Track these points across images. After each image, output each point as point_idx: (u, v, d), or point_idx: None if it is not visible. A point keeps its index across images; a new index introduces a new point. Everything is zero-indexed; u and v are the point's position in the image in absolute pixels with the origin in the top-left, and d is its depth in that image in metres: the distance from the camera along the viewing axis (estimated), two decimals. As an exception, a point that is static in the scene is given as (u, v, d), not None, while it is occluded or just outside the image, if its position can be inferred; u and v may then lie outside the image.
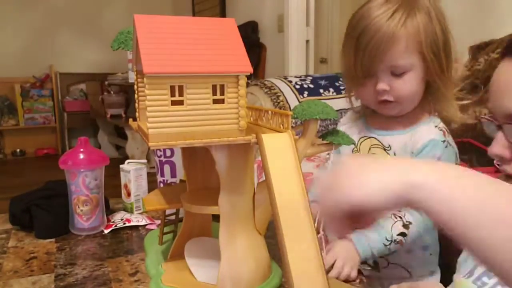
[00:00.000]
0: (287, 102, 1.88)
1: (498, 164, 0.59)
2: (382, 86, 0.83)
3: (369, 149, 0.92)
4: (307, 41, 3.10)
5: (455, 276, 0.69)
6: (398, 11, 0.80)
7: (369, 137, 0.93)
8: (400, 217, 0.83)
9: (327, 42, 3.30)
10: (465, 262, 0.68)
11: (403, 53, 0.81)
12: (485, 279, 0.62)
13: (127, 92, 3.95)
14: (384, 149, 0.90)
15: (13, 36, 4.40)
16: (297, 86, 1.96)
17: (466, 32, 1.88)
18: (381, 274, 0.91)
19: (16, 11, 4.40)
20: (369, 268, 0.92)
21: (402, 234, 0.82)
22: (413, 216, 0.83)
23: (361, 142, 0.94)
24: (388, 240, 0.81)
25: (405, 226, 0.83)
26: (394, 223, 0.82)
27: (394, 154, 0.88)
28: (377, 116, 0.92)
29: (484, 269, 0.59)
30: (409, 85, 0.83)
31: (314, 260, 0.48)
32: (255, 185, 0.62)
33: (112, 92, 4.06)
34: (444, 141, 0.85)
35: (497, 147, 0.56)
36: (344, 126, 0.99)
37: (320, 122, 0.60)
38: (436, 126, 0.87)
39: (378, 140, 0.92)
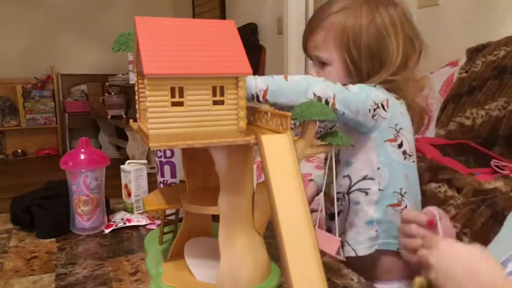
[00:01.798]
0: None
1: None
2: (311, 72, 0.89)
3: None
4: (307, 43, 3.11)
5: None
6: (342, 3, 0.84)
7: None
8: None
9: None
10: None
11: (323, 44, 0.85)
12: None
13: (128, 93, 3.95)
14: None
15: (14, 37, 4.41)
16: (297, 88, 1.97)
17: (464, 35, 1.89)
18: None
19: (18, 13, 4.41)
20: None
21: None
22: None
23: None
24: None
25: None
26: None
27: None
28: None
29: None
30: (330, 78, 0.81)
31: (313, 261, 0.48)
32: (254, 186, 0.63)
33: (112, 93, 4.07)
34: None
35: None
36: None
37: (319, 123, 0.60)
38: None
39: None
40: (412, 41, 0.85)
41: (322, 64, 0.86)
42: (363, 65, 0.83)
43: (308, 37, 0.87)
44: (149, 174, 1.06)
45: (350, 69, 0.84)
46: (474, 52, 1.55)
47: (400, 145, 0.85)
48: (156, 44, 0.53)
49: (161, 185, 0.95)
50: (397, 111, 0.84)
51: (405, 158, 0.86)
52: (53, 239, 0.88)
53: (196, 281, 0.64)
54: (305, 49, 0.91)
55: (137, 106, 0.65)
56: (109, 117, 3.98)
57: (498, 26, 1.71)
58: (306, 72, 3.12)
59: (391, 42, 0.82)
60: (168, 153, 0.94)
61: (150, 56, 0.51)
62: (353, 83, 0.82)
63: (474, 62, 1.50)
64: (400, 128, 0.84)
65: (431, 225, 0.66)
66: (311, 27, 0.86)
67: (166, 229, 0.76)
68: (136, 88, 0.64)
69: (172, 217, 0.76)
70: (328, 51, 0.85)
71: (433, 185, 1.02)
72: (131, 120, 0.69)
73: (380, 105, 0.80)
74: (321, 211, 0.90)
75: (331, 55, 0.85)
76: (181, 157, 0.70)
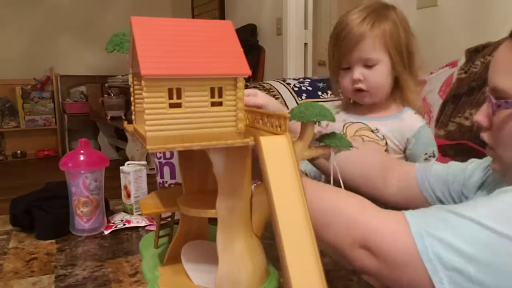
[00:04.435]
0: (286, 104, 1.89)
1: (479, 132, 0.65)
2: (356, 75, 1.01)
3: (356, 131, 1.05)
4: (306, 44, 3.11)
5: None
6: (367, 18, 0.99)
7: (354, 123, 1.06)
8: None
9: (325, 45, 3.30)
10: None
11: (372, 49, 0.98)
12: None
13: (127, 95, 3.94)
14: (372, 131, 1.04)
15: (14, 39, 4.41)
16: (296, 89, 1.97)
17: (463, 35, 1.89)
18: None
19: (17, 14, 4.41)
20: None
21: None
22: None
23: (347, 127, 1.08)
24: None
25: None
26: None
27: (383, 137, 1.02)
28: (356, 107, 1.08)
29: None
30: (379, 75, 1.00)
31: (313, 262, 0.48)
32: (252, 188, 0.62)
33: (112, 94, 4.07)
34: (425, 123, 1.03)
35: (479, 115, 0.64)
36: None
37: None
38: (415, 113, 1.04)
39: (364, 124, 1.05)
40: (414, 35, 1.03)
41: (369, 66, 1.00)
42: (404, 56, 1.00)
43: (353, 48, 0.99)
44: (148, 175, 1.06)
45: (396, 63, 0.99)
46: (473, 53, 1.55)
47: None
48: (153, 45, 0.52)
49: (161, 186, 0.95)
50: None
51: None
52: (53, 241, 0.88)
53: (193, 285, 0.63)
54: (341, 59, 1.02)
55: (132, 107, 0.64)
56: (108, 118, 3.98)
57: (497, 27, 1.71)
58: (310, 71, 3.12)
59: (410, 35, 1.01)
60: (168, 154, 0.94)
61: (147, 57, 0.51)
62: (398, 73, 1.00)
63: (473, 63, 1.50)
64: None
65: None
66: (354, 40, 0.98)
67: (161, 233, 0.76)
68: (131, 89, 0.64)
69: (168, 220, 0.76)
70: (377, 52, 0.99)
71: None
72: (125, 122, 0.68)
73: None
74: None
75: (380, 55, 0.99)
76: (178, 159, 0.70)
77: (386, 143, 1.02)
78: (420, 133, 1.00)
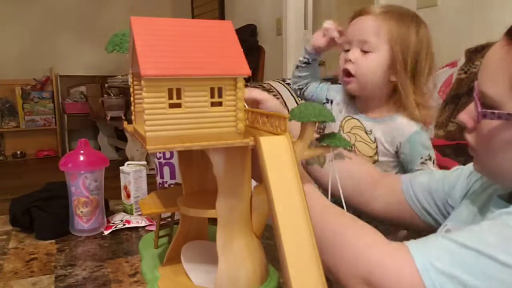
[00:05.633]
0: (286, 104, 1.89)
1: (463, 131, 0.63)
2: (350, 55, 0.98)
3: (352, 128, 1.05)
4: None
5: None
6: (387, 9, 0.98)
7: (353, 118, 1.06)
8: None
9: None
10: None
11: (373, 32, 0.95)
12: None
13: (127, 95, 3.95)
14: (366, 132, 1.03)
15: (13, 39, 4.41)
16: (296, 89, 1.97)
17: (463, 35, 1.89)
18: None
19: (17, 14, 4.41)
20: None
21: None
22: None
23: (345, 121, 1.07)
24: None
25: None
26: None
27: (374, 139, 1.01)
28: (354, 101, 1.07)
29: None
30: (371, 64, 0.96)
31: (313, 263, 0.48)
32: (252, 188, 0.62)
33: (112, 95, 4.07)
34: (421, 127, 0.99)
35: (464, 115, 0.61)
36: (336, 94, 1.12)
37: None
38: (410, 119, 1.00)
39: (360, 123, 1.04)
40: (433, 59, 0.99)
41: (364, 52, 0.96)
42: (408, 63, 0.95)
43: (357, 17, 0.98)
44: (148, 176, 1.07)
45: (397, 63, 0.95)
46: (473, 53, 1.55)
47: None
48: (153, 45, 0.52)
49: (161, 186, 0.95)
50: None
51: None
52: (53, 241, 0.88)
53: (193, 285, 0.63)
54: (349, 34, 1.00)
55: (132, 108, 0.64)
56: (108, 118, 3.98)
57: (497, 27, 1.71)
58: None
59: (424, 53, 0.97)
60: (167, 155, 0.94)
61: (147, 57, 0.51)
62: (397, 76, 0.96)
63: (473, 63, 1.50)
64: None
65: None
66: (362, 12, 0.97)
67: (161, 233, 0.76)
68: (131, 89, 0.64)
69: (168, 220, 0.76)
70: (378, 39, 0.95)
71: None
72: (125, 122, 0.68)
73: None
74: None
75: (380, 44, 0.95)
76: (177, 159, 0.70)
77: (377, 147, 1.01)
78: (414, 138, 0.98)
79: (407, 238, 0.98)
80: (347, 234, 0.57)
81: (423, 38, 0.97)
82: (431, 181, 0.77)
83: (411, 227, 0.87)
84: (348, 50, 1.00)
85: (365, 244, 0.55)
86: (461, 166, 0.76)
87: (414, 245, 0.52)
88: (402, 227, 0.94)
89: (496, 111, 0.55)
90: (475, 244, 0.48)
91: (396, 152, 0.99)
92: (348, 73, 0.99)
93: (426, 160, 0.98)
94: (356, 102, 1.07)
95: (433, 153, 0.99)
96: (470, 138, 0.61)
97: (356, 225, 0.59)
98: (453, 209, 0.72)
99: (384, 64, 0.96)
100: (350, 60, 0.98)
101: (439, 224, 0.76)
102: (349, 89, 1.01)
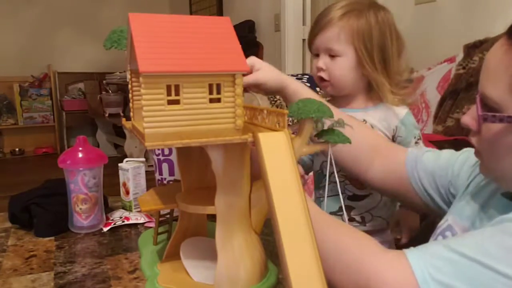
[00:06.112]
0: (284, 100, 1.88)
1: (467, 135, 0.63)
2: (319, 63, 1.01)
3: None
4: (304, 40, 3.10)
5: None
6: (345, 9, 0.99)
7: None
8: None
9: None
10: None
11: (336, 39, 0.98)
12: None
13: (125, 91, 3.93)
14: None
15: (11, 36, 4.39)
16: (295, 85, 1.97)
17: (461, 31, 1.89)
18: (367, 227, 1.01)
19: (14, 10, 4.39)
20: (357, 224, 1.02)
21: None
22: None
23: None
24: None
25: None
26: None
27: (371, 126, 1.00)
28: (339, 98, 1.07)
29: None
30: (340, 68, 0.99)
31: (312, 258, 0.48)
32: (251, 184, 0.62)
33: (110, 91, 4.06)
34: (408, 108, 1.03)
35: (468, 117, 0.61)
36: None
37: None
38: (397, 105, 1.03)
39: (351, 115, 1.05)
40: (400, 39, 1.02)
41: (332, 56, 0.99)
42: (374, 56, 0.98)
43: (318, 32, 0.99)
44: (147, 172, 1.07)
45: (363, 60, 0.98)
46: (471, 48, 1.55)
47: None
48: (151, 41, 0.52)
49: (160, 183, 0.95)
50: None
51: None
52: (52, 238, 0.88)
53: (193, 281, 0.63)
54: (310, 43, 1.03)
55: (131, 104, 0.64)
56: (106, 115, 3.97)
57: (495, 22, 1.71)
58: (309, 67, 3.12)
59: (388, 39, 0.99)
60: (166, 151, 0.94)
61: (145, 54, 0.51)
62: (367, 72, 0.98)
63: (471, 58, 1.50)
64: None
65: None
66: (321, 24, 0.99)
67: (160, 229, 0.76)
68: (129, 86, 0.64)
69: (167, 216, 0.76)
70: (341, 44, 0.97)
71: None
72: (124, 119, 0.68)
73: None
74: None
75: (344, 48, 0.98)
76: (176, 156, 0.70)
77: None
78: (408, 119, 1.01)
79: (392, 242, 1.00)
80: (346, 243, 0.57)
81: (384, 22, 0.99)
82: (436, 167, 0.77)
83: (405, 202, 0.89)
84: (317, 55, 1.02)
85: (363, 253, 0.55)
86: (469, 149, 0.73)
87: (413, 254, 0.52)
88: (396, 200, 0.98)
89: (497, 114, 0.54)
90: (476, 255, 0.48)
91: (393, 137, 1.01)
92: (322, 79, 1.02)
93: (418, 139, 1.00)
94: (339, 98, 1.08)
95: (420, 132, 1.03)
96: (475, 141, 0.60)
97: (354, 235, 0.59)
98: (454, 198, 0.72)
99: (353, 65, 0.98)
100: (321, 68, 1.00)
101: (438, 206, 0.76)
102: (328, 92, 1.04)
